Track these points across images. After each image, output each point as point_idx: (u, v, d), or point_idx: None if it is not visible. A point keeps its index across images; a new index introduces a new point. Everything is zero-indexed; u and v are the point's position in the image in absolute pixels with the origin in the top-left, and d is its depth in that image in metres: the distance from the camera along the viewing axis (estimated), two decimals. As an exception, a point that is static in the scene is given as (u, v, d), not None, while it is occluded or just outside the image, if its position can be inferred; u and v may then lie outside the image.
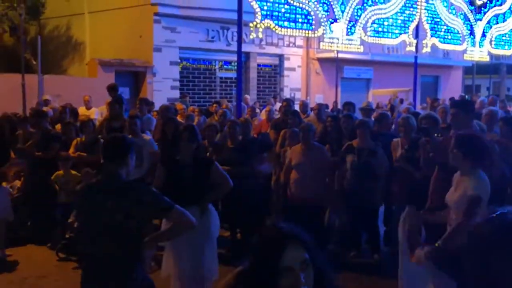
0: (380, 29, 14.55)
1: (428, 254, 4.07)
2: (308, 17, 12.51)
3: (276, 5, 11.81)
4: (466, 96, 19.53)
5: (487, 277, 1.64)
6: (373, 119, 8.76)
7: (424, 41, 15.62)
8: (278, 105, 14.87)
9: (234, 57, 13.40)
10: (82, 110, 12.20)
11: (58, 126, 9.23)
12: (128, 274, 3.39)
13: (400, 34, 14.84)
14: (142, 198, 3.37)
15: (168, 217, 3.58)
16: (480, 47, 17.82)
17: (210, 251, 5.23)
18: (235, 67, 14.10)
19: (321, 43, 13.99)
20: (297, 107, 11.03)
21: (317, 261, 1.97)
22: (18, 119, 8.71)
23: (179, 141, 5.36)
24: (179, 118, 9.97)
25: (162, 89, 16.67)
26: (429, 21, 15.84)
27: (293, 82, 20.24)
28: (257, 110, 12.74)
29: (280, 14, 11.84)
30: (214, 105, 12.25)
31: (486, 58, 18.72)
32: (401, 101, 16.25)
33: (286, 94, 19.24)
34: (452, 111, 5.69)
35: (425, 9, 15.53)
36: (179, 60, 17.44)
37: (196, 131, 5.50)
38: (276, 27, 11.77)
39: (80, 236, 3.59)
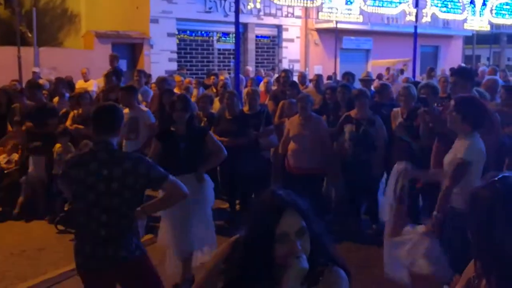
0: (379, -2, 14.39)
1: (431, 228, 4.15)
2: (307, -14, 12.34)
3: (274, -26, 11.64)
4: (467, 66, 19.41)
5: (490, 239, 1.62)
6: (373, 89, 8.70)
7: (424, 11, 15.48)
8: (276, 76, 14.80)
9: (232, 28, 13.26)
10: (80, 83, 12.13)
11: (55, 99, 9.18)
12: (122, 243, 3.42)
13: (400, 3, 14.70)
14: (137, 167, 3.38)
15: (162, 187, 3.59)
16: (480, 16, 17.66)
17: (203, 220, 5.23)
18: (233, 39, 13.96)
19: (320, 13, 13.89)
20: (295, 79, 10.96)
21: (315, 229, 1.95)
22: (14, 91, 8.63)
23: (172, 111, 5.33)
24: (176, 90, 9.91)
25: (159, 61, 16.54)
26: (429, -10, 15.67)
27: (291, 53, 20.10)
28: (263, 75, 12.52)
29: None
30: (212, 77, 12.15)
31: (487, 28, 18.57)
32: (401, 71, 16.14)
33: (285, 65, 19.13)
34: (451, 79, 5.64)
35: (425, -23, 15.35)
36: (176, 32, 17.27)
37: (188, 100, 5.46)
38: (274, -4, 11.61)
39: (74, 205, 3.55)
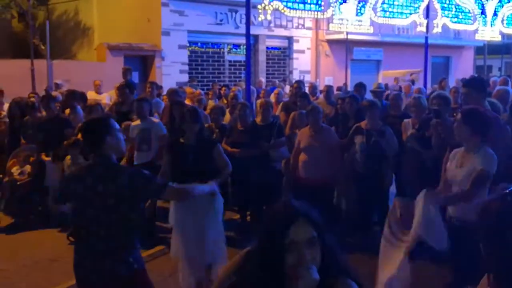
0: (390, 9, 14.37)
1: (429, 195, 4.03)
2: (317, -2, 12.36)
3: (285, -14, 11.67)
4: (480, 76, 19.31)
5: (502, 252, 1.62)
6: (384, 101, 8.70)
7: (434, 21, 15.42)
8: (287, 87, 14.81)
9: (242, 40, 13.30)
10: (92, 95, 12.20)
11: (67, 111, 9.24)
12: (120, 257, 3.42)
13: (411, 14, 14.65)
14: (133, 182, 3.37)
15: (162, 197, 3.61)
16: (491, 26, 17.57)
17: (214, 235, 5.20)
18: (244, 50, 14.03)
19: (331, 25, 13.86)
20: (306, 90, 10.97)
21: (327, 241, 1.95)
22: (26, 104, 8.72)
23: (182, 123, 5.35)
24: (188, 102, 9.95)
25: (171, 73, 16.65)
26: (440, 1, 15.61)
27: (302, 64, 20.13)
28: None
29: (288, -4, 11.69)
30: (223, 87, 12.19)
31: (498, 38, 18.46)
32: (413, 82, 16.08)
33: (296, 76, 19.15)
34: (463, 90, 5.61)
35: (435, -12, 15.32)
36: (187, 44, 17.38)
37: (198, 112, 5.47)
38: (285, 8, 11.65)
39: (74, 220, 3.56)
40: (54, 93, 10.32)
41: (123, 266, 3.42)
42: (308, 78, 19.58)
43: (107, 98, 12.21)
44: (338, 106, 8.23)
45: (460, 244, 4.20)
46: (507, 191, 1.65)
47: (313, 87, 10.74)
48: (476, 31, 17.38)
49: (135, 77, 15.67)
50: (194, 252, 5.12)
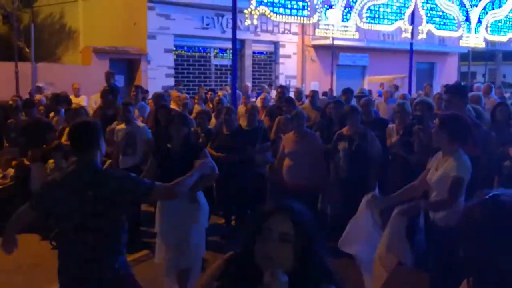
0: (375, 15, 14.46)
1: (408, 209, 4.24)
2: (303, 4, 12.40)
3: (271, -9, 11.70)
4: (462, 83, 19.49)
5: (482, 257, 1.63)
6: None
7: (420, 28, 15.56)
8: (273, 92, 14.83)
9: (229, 45, 13.31)
10: (72, 98, 12.14)
11: (51, 115, 9.19)
12: (107, 263, 3.37)
13: (396, 20, 14.76)
14: (122, 185, 3.32)
15: (151, 198, 3.57)
16: (476, 33, 17.76)
17: (196, 240, 5.16)
18: (230, 55, 14.03)
19: (317, 30, 13.91)
20: (292, 95, 10.99)
21: (312, 245, 1.96)
22: (10, 107, 8.65)
23: (170, 127, 5.33)
24: (173, 105, 9.93)
25: (156, 77, 16.60)
26: (425, 7, 15.76)
27: (288, 69, 20.19)
28: (252, 99, 12.70)
29: (275, 1, 11.73)
30: (209, 92, 12.18)
31: (482, 45, 18.67)
32: (396, 87, 16.20)
33: (282, 81, 19.21)
34: (445, 97, 5.66)
35: (420, -5, 15.46)
36: (173, 48, 17.35)
37: (186, 117, 5.49)
38: (271, 13, 11.67)
39: (58, 226, 3.45)
40: (38, 96, 10.23)
41: (110, 271, 3.37)
42: (294, 83, 19.64)
43: (85, 100, 12.17)
44: (324, 111, 8.25)
45: (441, 247, 4.26)
46: (488, 196, 1.67)
47: (299, 92, 10.76)
48: (460, 37, 17.57)
49: (121, 80, 15.61)
50: (175, 256, 5.10)
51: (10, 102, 9.25)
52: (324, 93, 14.46)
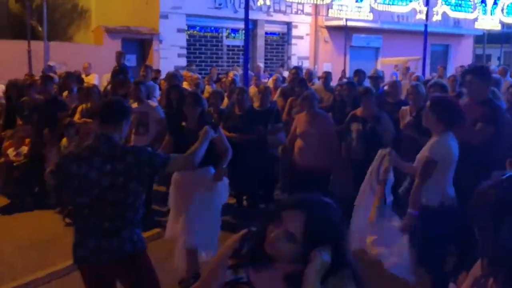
0: (390, -4, 14.31)
1: (406, 226, 4.46)
2: (317, -16, 12.27)
3: (284, -30, 11.58)
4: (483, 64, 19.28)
5: (496, 238, 1.62)
6: (384, 88, 8.66)
7: (434, 9, 15.39)
8: (285, 73, 14.77)
9: (241, 25, 13.26)
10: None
11: (65, 94, 9.23)
12: (126, 236, 3.44)
13: (410, 1, 14.62)
14: (139, 159, 3.41)
15: (168, 169, 3.62)
16: (491, 15, 17.53)
17: (209, 222, 5.19)
18: (243, 35, 13.95)
19: (330, 10, 13.84)
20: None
21: (330, 234, 1.91)
22: (24, 85, 8.69)
23: (184, 107, 5.35)
24: (185, 85, 9.93)
25: (168, 57, 16.57)
26: (440, -12, 15.58)
27: (301, 50, 20.05)
28: (264, 80, 12.66)
29: (288, -19, 11.61)
30: (223, 77, 12.18)
31: (498, 27, 18.44)
32: (407, 69, 16.06)
33: (294, 62, 19.09)
34: (467, 78, 5.59)
35: (436, -25, 15.25)
36: (186, 28, 17.28)
37: (199, 96, 5.49)
38: (284, -7, 11.56)
39: (75, 200, 3.48)
40: (51, 75, 10.28)
41: (128, 245, 3.45)
42: (306, 64, 19.51)
43: (96, 78, 12.21)
44: (336, 92, 8.21)
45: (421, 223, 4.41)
46: (503, 177, 1.66)
47: (310, 74, 10.71)
48: (475, 19, 17.35)
49: (133, 60, 15.62)
50: (184, 228, 5.13)
51: (28, 79, 9.29)
52: (341, 75, 14.33)
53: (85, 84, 9.49)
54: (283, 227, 1.88)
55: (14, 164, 7.93)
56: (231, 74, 11.65)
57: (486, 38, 25.30)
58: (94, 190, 3.37)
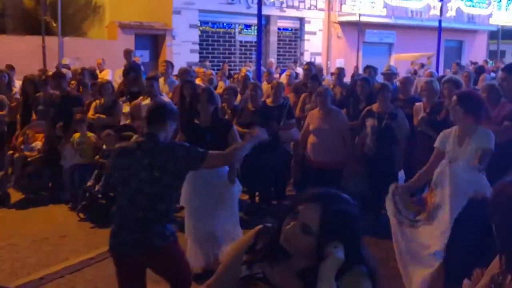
0: (404, -9, 14.21)
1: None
2: (330, -21, 12.21)
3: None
4: (490, 62, 19.10)
5: None
6: (397, 83, 8.60)
7: (448, 5, 15.27)
8: (298, 69, 14.73)
9: (254, 20, 13.23)
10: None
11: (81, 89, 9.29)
12: (157, 229, 3.64)
13: (425, -3, 14.52)
14: (176, 155, 3.63)
15: (205, 165, 3.76)
16: (506, 11, 17.35)
17: (230, 216, 5.23)
18: (255, 31, 13.92)
19: (343, 6, 13.78)
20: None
21: (350, 231, 1.90)
22: (39, 80, 8.74)
23: (198, 103, 5.35)
24: (198, 82, 9.93)
25: (181, 52, 16.60)
26: (455, -16, 15.44)
27: (313, 46, 19.99)
28: (276, 75, 12.63)
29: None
30: (235, 75, 12.17)
31: (513, 23, 18.25)
32: (421, 65, 15.96)
33: (307, 58, 19.05)
34: (501, 75, 5.61)
35: (450, -29, 15.12)
36: (198, 23, 17.29)
37: (213, 93, 5.50)
38: (297, -11, 11.51)
39: (117, 189, 3.82)
40: (64, 71, 10.34)
41: (158, 238, 3.61)
42: (319, 60, 19.46)
43: (110, 74, 12.26)
44: (352, 88, 8.19)
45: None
46: (523, 174, 1.64)
47: (319, 70, 10.65)
48: (490, 15, 17.19)
49: (146, 56, 15.66)
50: (203, 232, 5.15)
51: (43, 75, 9.35)
52: (354, 72, 14.26)
53: (99, 80, 9.51)
54: (299, 220, 1.87)
55: (29, 159, 7.98)
56: (243, 70, 11.64)
57: (500, 34, 25.02)
58: (134, 182, 3.62)
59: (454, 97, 4.65)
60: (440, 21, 14.32)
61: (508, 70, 5.53)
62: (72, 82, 9.47)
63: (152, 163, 3.60)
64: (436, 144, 4.83)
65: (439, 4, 14.66)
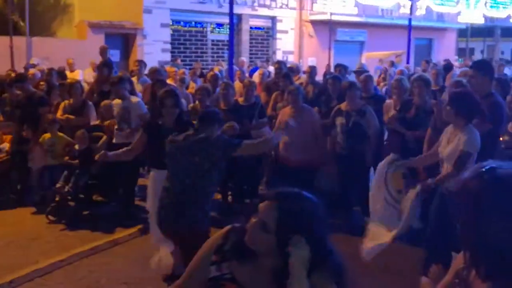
0: (374, -10, 14.34)
1: (425, 187, 4.67)
2: (301, -22, 12.25)
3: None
4: (459, 59, 19.41)
5: (477, 230, 1.62)
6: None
7: (418, 3, 15.47)
8: (270, 68, 14.75)
9: (226, 19, 13.18)
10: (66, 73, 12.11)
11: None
12: (198, 206, 4.14)
13: (394, -5, 14.67)
14: (214, 145, 4.14)
15: (240, 151, 4.25)
16: (474, 9, 17.65)
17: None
18: (227, 30, 13.89)
19: (314, 5, 13.84)
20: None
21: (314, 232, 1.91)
22: (5, 81, 8.58)
23: (162, 107, 5.25)
24: (169, 81, 9.86)
25: (152, 52, 16.47)
26: (424, -18, 15.64)
27: (285, 45, 20.05)
28: (246, 74, 12.63)
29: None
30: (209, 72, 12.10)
31: (481, 21, 18.57)
32: (392, 63, 16.12)
33: (279, 57, 19.10)
34: (470, 72, 5.66)
35: (420, -31, 15.31)
36: (170, 22, 17.18)
37: (178, 96, 5.42)
38: (268, -13, 11.53)
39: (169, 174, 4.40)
40: (32, 71, 10.16)
41: (190, 221, 4.09)
42: (291, 58, 19.52)
43: (80, 74, 12.12)
44: (323, 86, 8.22)
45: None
46: (484, 169, 1.65)
47: (296, 68, 10.68)
48: (459, 13, 17.46)
49: (116, 55, 15.49)
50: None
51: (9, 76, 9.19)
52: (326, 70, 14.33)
53: (68, 80, 9.38)
54: (258, 218, 1.93)
55: (-3, 160, 7.83)
56: (216, 69, 11.60)
57: (469, 32, 25.45)
58: (180, 168, 4.18)
59: (447, 96, 4.82)
60: (410, 20, 14.53)
61: (476, 67, 5.61)
62: (41, 82, 9.30)
63: (195, 151, 4.15)
64: (441, 137, 4.91)
65: (409, 2, 14.87)
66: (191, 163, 4.14)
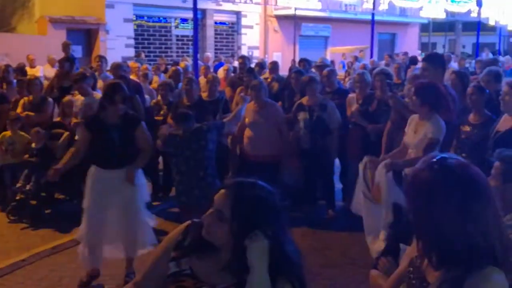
0: (337, -15, 14.45)
1: (388, 165, 4.73)
2: (265, -28, 12.25)
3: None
4: (422, 53, 19.71)
5: (429, 220, 1.65)
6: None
7: (381, -2, 15.65)
8: (235, 63, 14.73)
9: (190, 14, 13.07)
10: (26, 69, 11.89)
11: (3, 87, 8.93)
12: (204, 170, 5.41)
13: (357, -10, 14.82)
14: (209, 128, 5.50)
15: (225, 130, 5.77)
16: (436, 4, 17.95)
17: (137, 225, 4.98)
18: (192, 25, 13.81)
19: (279, 0, 13.83)
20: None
21: (248, 227, 1.88)
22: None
23: (111, 104, 4.89)
24: (133, 77, 9.74)
25: (115, 47, 16.25)
26: (386, -23, 15.83)
27: (251, 40, 20.05)
28: (211, 70, 12.59)
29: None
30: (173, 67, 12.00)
31: (442, 15, 18.90)
32: (356, 58, 16.30)
33: (244, 52, 19.06)
34: (422, 65, 5.76)
35: (382, -36, 15.50)
36: (133, 17, 16.97)
37: (126, 93, 5.05)
38: (232, -18, 11.50)
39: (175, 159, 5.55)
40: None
41: (208, 176, 5.41)
42: (256, 54, 19.53)
43: (41, 70, 11.91)
44: (287, 81, 8.24)
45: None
46: (435, 159, 1.68)
47: (261, 64, 10.67)
48: (421, 8, 17.74)
49: (78, 51, 15.24)
50: (118, 237, 4.99)
51: None
52: (291, 65, 14.40)
53: (28, 77, 9.19)
54: (214, 207, 1.92)
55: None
56: (181, 64, 11.51)
57: (431, 26, 25.89)
58: (186, 149, 5.38)
59: (412, 88, 4.91)
60: (373, 14, 14.68)
61: (428, 60, 5.72)
62: (-1, 78, 9.10)
63: (194, 137, 5.37)
64: (406, 128, 5.00)
65: (372, -3, 15.02)
66: (193, 145, 5.37)
